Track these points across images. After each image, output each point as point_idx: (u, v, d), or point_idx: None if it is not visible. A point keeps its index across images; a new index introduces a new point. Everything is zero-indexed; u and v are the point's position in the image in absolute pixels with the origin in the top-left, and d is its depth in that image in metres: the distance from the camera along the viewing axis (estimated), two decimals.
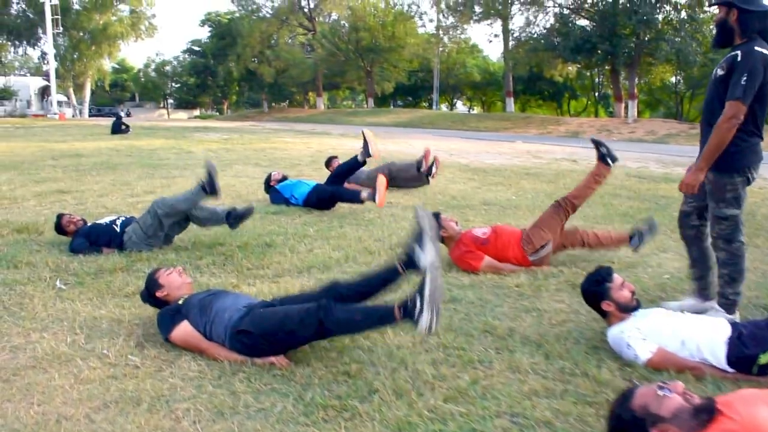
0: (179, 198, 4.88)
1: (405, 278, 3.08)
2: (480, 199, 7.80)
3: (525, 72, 34.60)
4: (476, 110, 56.26)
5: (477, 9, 32.90)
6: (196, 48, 57.62)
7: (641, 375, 2.79)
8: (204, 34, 58.93)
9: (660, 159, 14.32)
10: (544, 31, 30.71)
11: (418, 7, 49.68)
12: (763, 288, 4.22)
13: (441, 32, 38.66)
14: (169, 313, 3.10)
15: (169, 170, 10.39)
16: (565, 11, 30.30)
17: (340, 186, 6.88)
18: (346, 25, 40.05)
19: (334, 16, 43.17)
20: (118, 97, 65.47)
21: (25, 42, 51.54)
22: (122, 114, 23.29)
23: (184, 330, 2.99)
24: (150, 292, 3.29)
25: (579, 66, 31.76)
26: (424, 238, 2.95)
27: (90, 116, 45.86)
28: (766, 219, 6.76)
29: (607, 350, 3.07)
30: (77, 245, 4.81)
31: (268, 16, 42.54)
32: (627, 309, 3.09)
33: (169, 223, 4.81)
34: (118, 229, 4.88)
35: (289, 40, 45.70)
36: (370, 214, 6.52)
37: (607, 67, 30.64)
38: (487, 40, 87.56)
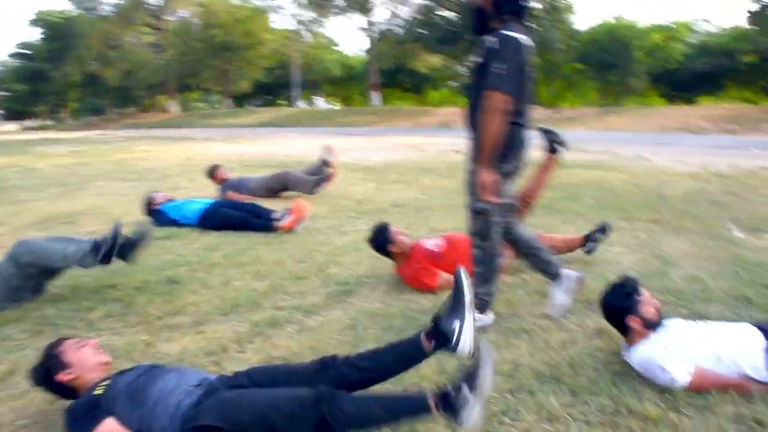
0: (54, 249, 3.67)
1: (430, 357, 2.35)
2: (387, 200, 7.23)
3: (390, 64, 34.58)
4: (337, 106, 55.87)
5: (338, 2, 32.31)
6: (26, 51, 52.08)
7: (683, 400, 2.35)
8: (35, 35, 53.42)
9: (542, 145, 14.52)
10: (409, 23, 30.72)
11: (273, 0, 47.80)
12: (731, 276, 4.01)
13: (300, 27, 37.69)
14: (83, 409, 2.20)
15: (15, 193, 8.84)
16: (429, 3, 30.45)
17: (247, 213, 5.91)
18: (198, 22, 37.80)
19: (184, 13, 40.59)
20: None
21: None
22: None
23: None
24: (49, 374, 2.36)
25: (444, 57, 32.21)
26: (463, 302, 2.29)
27: None
28: (679, 200, 6.79)
29: (633, 375, 2.61)
30: None
31: (109, 14, 39.13)
32: (653, 326, 2.66)
33: (35, 271, 3.75)
34: None
35: (134, 40, 42.43)
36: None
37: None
38: (350, 34, 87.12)
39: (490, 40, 2.93)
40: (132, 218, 6.53)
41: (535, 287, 3.88)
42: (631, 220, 5.87)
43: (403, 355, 2.28)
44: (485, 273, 3.23)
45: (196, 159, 12.96)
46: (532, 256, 3.45)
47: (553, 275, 3.43)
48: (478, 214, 3.11)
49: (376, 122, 27.64)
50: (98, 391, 2.25)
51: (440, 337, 2.26)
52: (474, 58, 3.06)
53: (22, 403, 2.57)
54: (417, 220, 6.10)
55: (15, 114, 59.16)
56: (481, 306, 3.23)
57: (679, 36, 34.91)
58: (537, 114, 22.01)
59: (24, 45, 52.30)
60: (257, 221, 5.71)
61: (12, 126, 55.06)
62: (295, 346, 3.06)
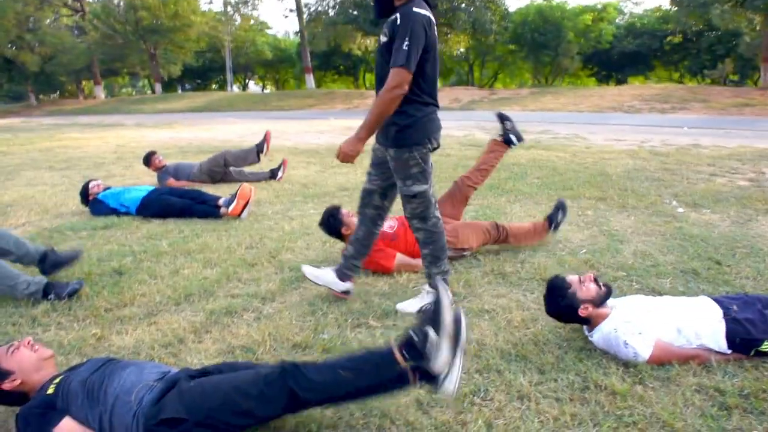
0: (3, 275, 3.45)
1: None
2: (333, 184, 7.17)
3: (324, 47, 34.10)
4: (269, 89, 54.84)
5: None
6: None
7: (647, 373, 2.45)
8: None
9: (481, 126, 14.72)
10: (341, 5, 30.32)
11: None
12: (678, 250, 4.17)
13: (230, 9, 36.66)
14: (36, 411, 2.09)
15: None
16: None
17: (190, 200, 5.73)
18: (122, 3, 36.13)
19: None
20: None
21: None
22: None
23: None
24: None
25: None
26: (441, 316, 1.99)
27: None
28: (621, 177, 7.00)
29: (597, 351, 2.68)
30: None
31: None
32: (604, 299, 2.72)
33: None
34: None
35: (51, 23, 40.26)
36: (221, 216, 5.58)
37: None
38: (282, 15, 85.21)
39: (394, 17, 2.87)
40: (66, 209, 6.30)
41: (492, 267, 3.93)
42: (576, 198, 6.00)
43: (375, 368, 2.02)
44: (434, 251, 3.24)
45: (130, 146, 12.49)
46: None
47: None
48: (414, 198, 3.12)
49: (312, 105, 27.30)
50: (50, 390, 2.14)
51: (413, 351, 1.98)
52: (381, 36, 2.99)
53: None
54: None
55: None
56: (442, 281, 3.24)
57: (607, 17, 35.86)
58: (472, 95, 22.35)
59: None
60: (201, 207, 5.56)
61: None
62: (255, 333, 3.01)
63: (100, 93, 40.49)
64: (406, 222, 4.14)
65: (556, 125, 14.01)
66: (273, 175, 7.54)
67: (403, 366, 1.92)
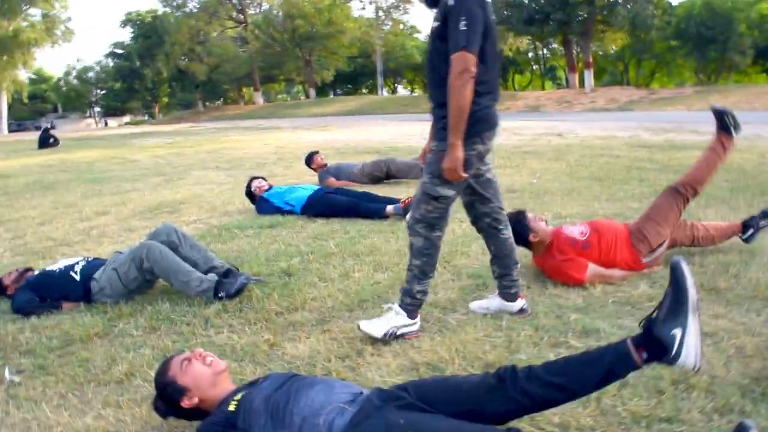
0: (179, 269, 3.38)
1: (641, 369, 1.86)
2: (501, 185, 6.63)
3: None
4: (417, 92, 55.22)
5: None
6: (119, 51, 54.21)
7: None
8: (126, 35, 55.65)
9: (645, 127, 13.54)
10: (494, 5, 29.71)
11: None
12: None
13: (381, 14, 37.29)
14: (217, 428, 1.86)
15: (118, 183, 8.91)
16: None
17: (355, 198, 5.57)
18: (280, 13, 38.06)
19: (266, 5, 41.02)
20: (38, 110, 61.05)
21: None
22: (48, 125, 21.03)
23: None
24: (172, 403, 2.04)
25: (530, 38, 31.04)
26: (685, 303, 1.80)
27: (10, 132, 42.57)
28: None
29: None
30: (23, 302, 3.48)
31: (195, 10, 40.01)
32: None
33: (154, 277, 3.53)
34: (77, 277, 3.55)
35: (218, 35, 43.35)
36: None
37: (559, 38, 30.08)
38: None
39: (446, 1, 2.51)
40: (232, 207, 6.38)
41: (700, 280, 3.29)
42: None
43: (606, 368, 1.80)
44: (425, 266, 2.78)
45: (289, 147, 12.83)
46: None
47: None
48: (435, 200, 2.66)
49: None
50: (231, 408, 1.90)
51: (655, 347, 1.77)
52: (433, 23, 2.61)
53: (146, 409, 2.28)
54: (537, 205, 5.56)
55: (112, 111, 61.95)
56: (414, 307, 2.81)
57: None
58: (629, 95, 21.06)
59: (117, 45, 54.56)
60: (368, 206, 5.34)
61: (111, 122, 57.70)
62: (441, 349, 2.64)
63: (259, 99, 42.90)
64: (600, 227, 3.62)
65: None
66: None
67: (640, 363, 1.79)
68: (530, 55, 43.61)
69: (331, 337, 2.85)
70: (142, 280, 3.46)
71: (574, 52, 30.59)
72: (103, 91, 61.68)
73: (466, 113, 2.49)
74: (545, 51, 42.32)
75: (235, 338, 2.91)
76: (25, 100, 53.06)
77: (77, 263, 3.67)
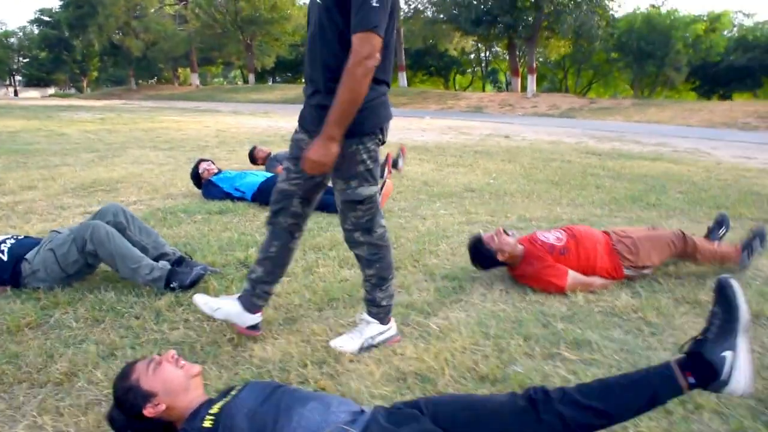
0: (127, 254, 2.98)
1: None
2: (456, 183, 6.53)
3: (420, 45, 33.56)
4: None
5: None
6: (47, 18, 51.35)
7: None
8: (55, 2, 52.65)
9: (590, 134, 13.75)
10: (443, 3, 29.67)
11: None
12: None
13: None
14: None
15: (46, 157, 8.24)
16: None
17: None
18: None
19: None
20: None
21: None
22: None
23: None
24: (132, 412, 1.69)
25: (476, 39, 31.19)
26: (736, 323, 1.66)
27: None
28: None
29: None
30: None
31: None
32: None
33: (97, 262, 3.12)
34: (4, 257, 3.10)
35: (156, 11, 41.57)
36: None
37: (504, 41, 30.35)
38: None
39: None
40: (175, 189, 5.95)
41: (681, 294, 3.18)
42: (737, 218, 5.13)
43: (649, 393, 1.60)
44: (380, 271, 2.47)
45: (230, 131, 12.31)
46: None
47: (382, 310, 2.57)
48: (360, 204, 2.34)
49: (405, 104, 26.79)
50: (207, 424, 1.59)
51: (703, 371, 1.59)
52: None
53: (93, 418, 1.93)
54: (500, 206, 5.41)
55: (36, 81, 58.71)
56: (383, 314, 2.55)
57: (721, 27, 33.55)
58: (570, 102, 21.52)
59: (44, 12, 51.62)
60: (325, 197, 5.02)
61: (34, 93, 54.59)
62: (427, 357, 2.39)
63: (195, 80, 41.49)
64: (577, 233, 3.47)
65: (670, 138, 12.93)
66: (394, 164, 6.87)
67: (686, 389, 1.64)
68: (472, 56, 43.98)
69: (302, 339, 2.56)
70: (83, 264, 3.05)
71: (518, 56, 30.97)
72: (26, 60, 58.35)
73: (357, 107, 2.09)
74: (488, 54, 42.81)
75: (193, 336, 2.57)
76: None
77: (4, 241, 3.21)
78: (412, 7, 31.64)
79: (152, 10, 40.72)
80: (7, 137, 10.88)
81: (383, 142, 2.32)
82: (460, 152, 9.45)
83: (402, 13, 31.72)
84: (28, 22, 55.99)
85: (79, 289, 3.04)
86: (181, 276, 3.00)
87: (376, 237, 2.41)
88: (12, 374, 2.22)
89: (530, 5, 26.91)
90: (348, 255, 3.73)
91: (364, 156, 2.25)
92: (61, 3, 45.50)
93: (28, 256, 3.08)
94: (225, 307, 2.51)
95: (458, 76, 46.69)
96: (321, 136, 2.12)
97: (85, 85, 58.05)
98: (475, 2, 27.63)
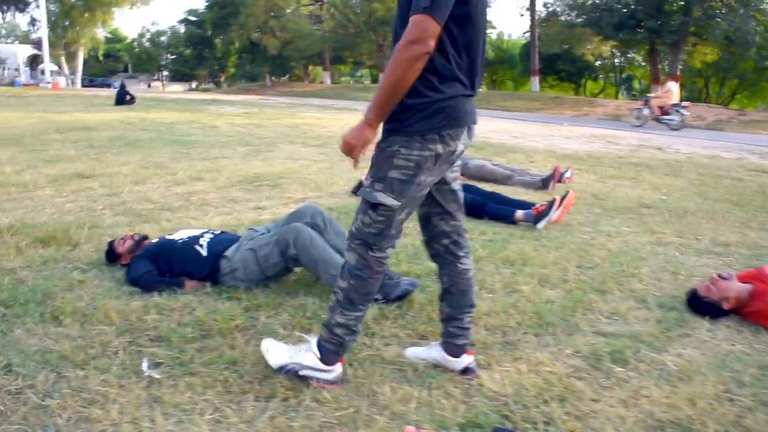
0: (330, 261, 2.83)
1: None
2: (628, 198, 6.01)
3: (557, 49, 32.43)
4: (482, 89, 53.98)
5: None
6: (193, 18, 54.78)
7: None
8: (201, 3, 56.08)
9: (750, 150, 12.52)
10: (583, 5, 28.44)
11: None
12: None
13: None
14: None
15: (205, 149, 8.54)
16: None
17: (481, 194, 4.99)
18: None
19: None
20: (111, 68, 62.47)
21: (12, 7, 48.87)
22: (123, 83, 21.05)
23: None
24: None
25: (615, 45, 29.64)
26: None
27: (82, 86, 43.45)
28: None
29: None
30: (142, 274, 3.03)
31: None
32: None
33: (296, 265, 3.01)
34: (204, 252, 3.08)
35: (292, 11, 43.10)
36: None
37: (645, 47, 28.65)
38: (519, 13, 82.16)
39: None
40: (338, 188, 5.90)
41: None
42: None
43: None
44: (353, 292, 2.08)
45: None
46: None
47: None
48: (373, 210, 2.01)
49: (539, 109, 25.91)
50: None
51: None
52: None
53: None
54: (685, 227, 4.89)
55: (180, 76, 62.88)
56: (328, 346, 2.12)
57: None
58: (716, 114, 19.88)
59: (191, 12, 55.09)
60: (497, 208, 4.75)
61: (177, 87, 58.54)
62: (681, 403, 2.07)
63: (327, 79, 42.57)
64: None
65: None
66: (545, 184, 6.41)
67: None
68: (607, 62, 42.02)
69: (530, 369, 2.30)
70: (282, 268, 2.96)
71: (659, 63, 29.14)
72: (173, 56, 62.58)
73: (400, 94, 1.87)
74: (623, 59, 40.71)
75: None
76: (100, 58, 54.15)
77: (202, 236, 3.21)
78: (550, 10, 30.60)
79: (288, 10, 42.23)
80: (166, 128, 11.47)
81: (441, 156, 1.97)
82: (617, 163, 8.84)
83: (537, 16, 30.83)
84: (177, 21, 60.11)
85: (276, 291, 2.96)
86: (386, 289, 2.83)
87: (371, 258, 2.06)
88: (235, 383, 2.12)
89: (678, 9, 25.12)
90: (542, 272, 3.44)
91: (401, 162, 1.95)
92: (206, 3, 48.43)
93: (228, 253, 3.04)
94: (431, 355, 2.32)
95: (590, 82, 44.82)
96: (362, 120, 1.93)
97: (222, 80, 61.40)
98: (618, 5, 26.22)
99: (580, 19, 28.33)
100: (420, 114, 1.93)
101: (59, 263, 3.36)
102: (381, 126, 1.97)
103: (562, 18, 29.84)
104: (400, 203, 1.98)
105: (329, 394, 2.05)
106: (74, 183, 5.81)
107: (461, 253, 2.22)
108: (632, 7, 26.59)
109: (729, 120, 21.68)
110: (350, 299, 2.08)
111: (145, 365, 2.18)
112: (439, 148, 1.96)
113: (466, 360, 2.25)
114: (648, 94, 20.21)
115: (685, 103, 17.20)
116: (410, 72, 1.84)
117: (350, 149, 1.95)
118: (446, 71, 1.93)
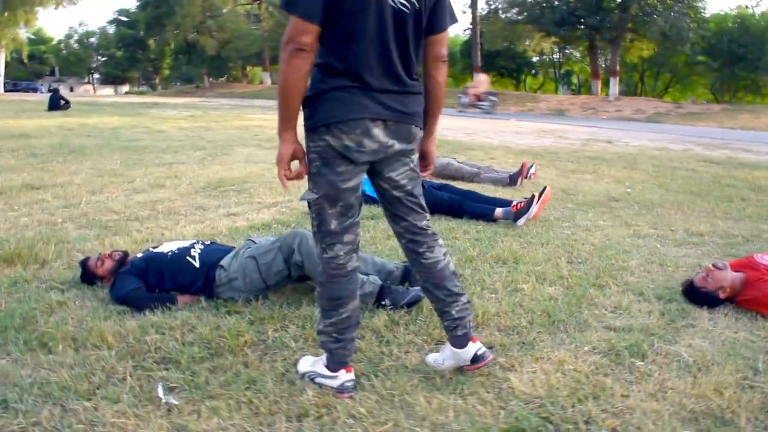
0: None
1: None
2: (595, 192, 6.11)
3: (498, 46, 32.92)
4: None
5: None
6: (124, 18, 53.07)
7: None
8: (132, 3, 54.41)
9: (694, 141, 13.02)
10: (524, 2, 28.93)
11: None
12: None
13: None
14: None
15: (158, 155, 8.25)
16: None
17: (458, 193, 4.98)
18: None
19: None
20: (36, 71, 59.76)
21: None
22: (59, 87, 20.14)
23: None
24: None
25: (557, 41, 30.34)
26: None
27: (5, 91, 41.39)
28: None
29: None
30: (127, 291, 2.86)
31: None
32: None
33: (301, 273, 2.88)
34: (196, 264, 2.93)
35: (228, 10, 42.22)
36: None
37: (585, 43, 29.46)
38: (461, 11, 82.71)
39: None
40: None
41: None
42: None
43: None
44: (322, 300, 2.10)
45: None
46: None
47: None
48: (309, 207, 2.05)
49: None
50: None
51: None
52: None
53: None
54: (657, 218, 5.01)
55: (111, 79, 60.78)
56: (328, 353, 2.12)
57: None
58: (655, 107, 20.76)
59: (122, 12, 53.40)
60: (474, 206, 4.74)
61: (109, 90, 56.57)
62: (710, 393, 2.09)
63: (267, 79, 41.97)
64: None
65: None
66: (512, 180, 6.45)
67: None
68: (546, 58, 43.03)
69: (555, 368, 2.27)
70: (285, 276, 2.85)
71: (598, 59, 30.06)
72: (104, 58, 60.46)
73: (293, 98, 1.86)
74: (561, 55, 41.77)
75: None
76: (25, 60, 51.77)
77: (193, 247, 3.06)
78: (492, 7, 31.02)
79: (225, 10, 41.39)
80: (110, 134, 11.05)
81: (345, 152, 1.90)
82: (574, 157, 9.03)
83: (480, 13, 31.19)
84: (107, 22, 58.08)
85: (277, 303, 2.84)
86: (395, 295, 2.75)
87: (324, 259, 2.05)
88: (261, 403, 2.00)
89: (616, 6, 25.95)
90: (541, 270, 3.44)
91: (311, 155, 1.96)
92: (138, 3, 46.92)
93: (224, 262, 2.91)
94: (450, 356, 2.21)
95: (529, 78, 45.78)
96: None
97: (156, 82, 59.70)
98: (558, 3, 26.87)
99: (521, 16, 28.86)
100: (310, 108, 1.91)
101: (30, 283, 3.14)
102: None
103: (503, 15, 30.32)
104: (317, 195, 1.96)
105: (363, 408, 1.96)
106: (24, 195, 5.49)
107: (421, 249, 2.16)
108: (573, 4, 27.31)
109: (667, 113, 22.57)
110: (321, 306, 2.10)
111: (160, 391, 2.04)
112: (330, 140, 1.89)
113: (472, 348, 2.17)
114: (466, 85, 22.70)
115: (494, 92, 20.48)
116: (290, 71, 1.82)
117: (277, 167, 1.96)
118: (334, 65, 1.88)
